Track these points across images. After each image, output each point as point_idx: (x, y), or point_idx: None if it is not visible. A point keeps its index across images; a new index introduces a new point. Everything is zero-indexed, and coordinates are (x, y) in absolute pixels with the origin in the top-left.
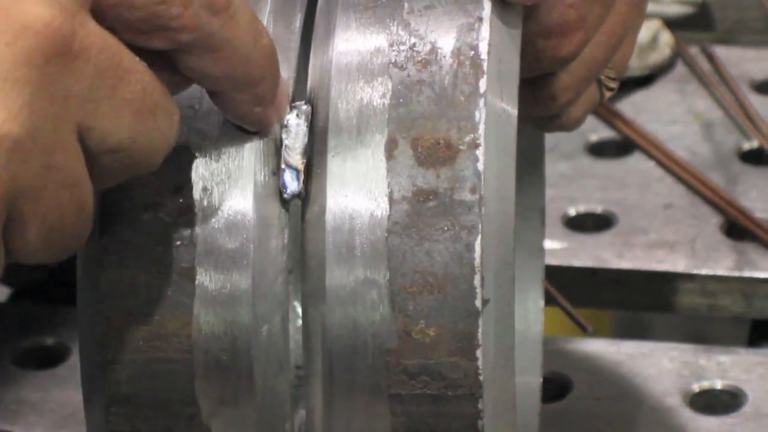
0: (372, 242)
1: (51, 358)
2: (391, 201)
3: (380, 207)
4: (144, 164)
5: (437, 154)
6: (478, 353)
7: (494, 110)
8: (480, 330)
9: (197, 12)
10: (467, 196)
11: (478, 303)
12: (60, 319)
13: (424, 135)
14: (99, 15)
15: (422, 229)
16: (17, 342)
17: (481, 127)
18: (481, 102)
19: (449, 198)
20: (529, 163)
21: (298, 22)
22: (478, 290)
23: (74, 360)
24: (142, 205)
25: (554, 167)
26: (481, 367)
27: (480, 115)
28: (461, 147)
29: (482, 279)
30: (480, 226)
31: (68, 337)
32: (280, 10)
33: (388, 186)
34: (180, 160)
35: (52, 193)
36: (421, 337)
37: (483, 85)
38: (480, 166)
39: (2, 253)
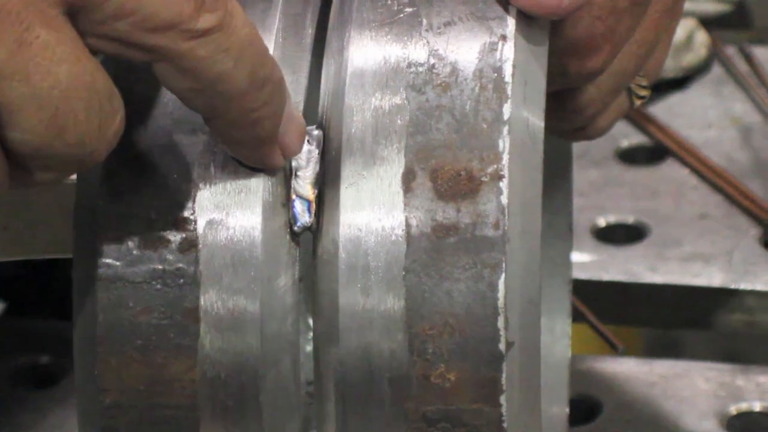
0: (388, 281)
1: (46, 378)
2: (409, 237)
3: (397, 243)
4: None
5: (458, 186)
6: (502, 399)
7: (519, 138)
8: (504, 375)
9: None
10: (490, 231)
11: (501, 346)
12: (55, 336)
13: (443, 166)
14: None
15: (442, 268)
16: (11, 360)
17: (505, 158)
18: (505, 130)
19: (471, 234)
20: (556, 171)
21: (308, 38)
22: (502, 332)
23: (70, 380)
24: (143, 241)
25: (583, 175)
26: (505, 413)
27: (504, 144)
28: (483, 179)
29: (506, 320)
30: (504, 264)
31: (64, 355)
32: (291, 25)
33: (406, 221)
34: (183, 192)
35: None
36: (441, 382)
37: (507, 111)
38: (504, 199)
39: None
